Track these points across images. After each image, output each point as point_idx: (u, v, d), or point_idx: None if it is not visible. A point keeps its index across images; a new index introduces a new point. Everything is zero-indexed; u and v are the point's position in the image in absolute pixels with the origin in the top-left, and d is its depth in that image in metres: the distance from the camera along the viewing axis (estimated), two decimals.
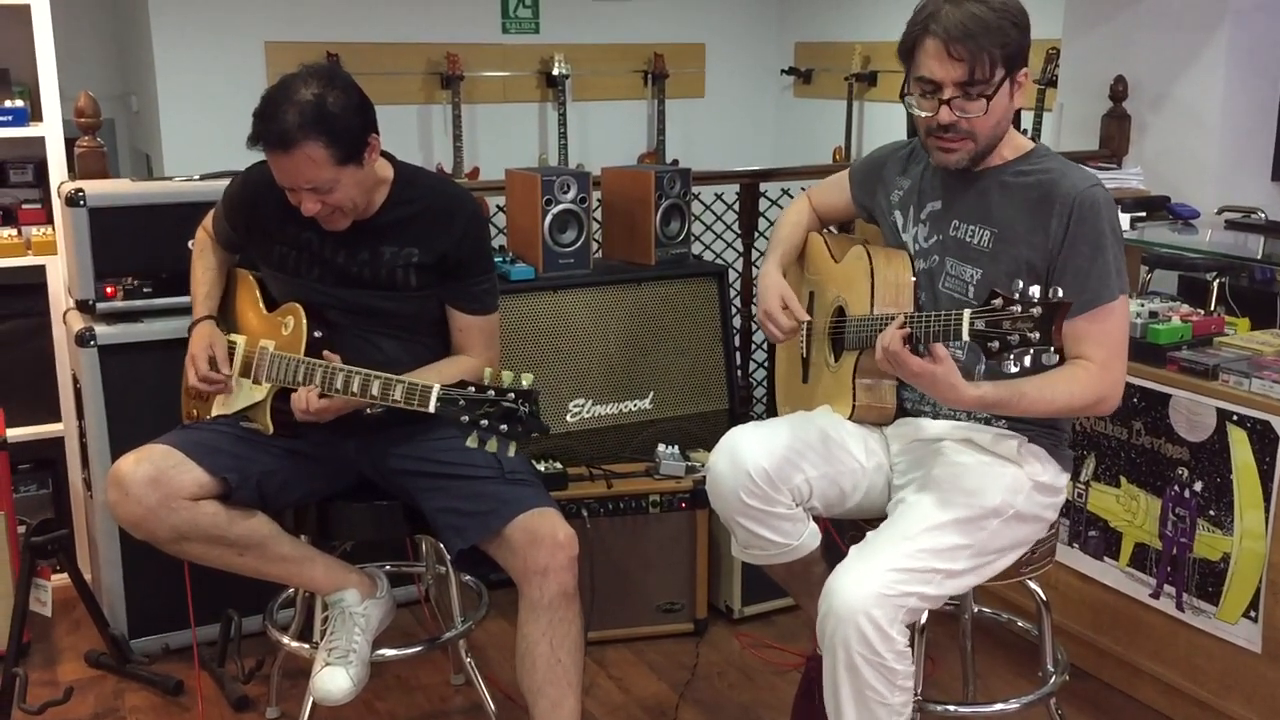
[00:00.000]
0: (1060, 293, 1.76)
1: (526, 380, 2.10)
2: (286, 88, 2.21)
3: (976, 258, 2.11)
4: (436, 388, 2.13)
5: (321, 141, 2.19)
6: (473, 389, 2.10)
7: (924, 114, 2.04)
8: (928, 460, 2.14)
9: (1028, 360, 1.75)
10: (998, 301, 1.77)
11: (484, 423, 2.08)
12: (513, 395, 2.08)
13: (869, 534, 2.05)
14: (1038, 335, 1.73)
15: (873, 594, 1.91)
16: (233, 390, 2.45)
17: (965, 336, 1.82)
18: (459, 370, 2.35)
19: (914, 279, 2.18)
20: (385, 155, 2.39)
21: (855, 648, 1.91)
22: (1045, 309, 1.74)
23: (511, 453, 2.11)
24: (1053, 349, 1.74)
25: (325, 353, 2.30)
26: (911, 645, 1.99)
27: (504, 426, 2.08)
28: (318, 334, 2.36)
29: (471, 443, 2.09)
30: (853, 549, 2.02)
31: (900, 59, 2.07)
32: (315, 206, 2.27)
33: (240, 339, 2.48)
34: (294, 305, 2.40)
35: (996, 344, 1.77)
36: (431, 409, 2.13)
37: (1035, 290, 1.75)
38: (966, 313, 1.82)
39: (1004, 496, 2.06)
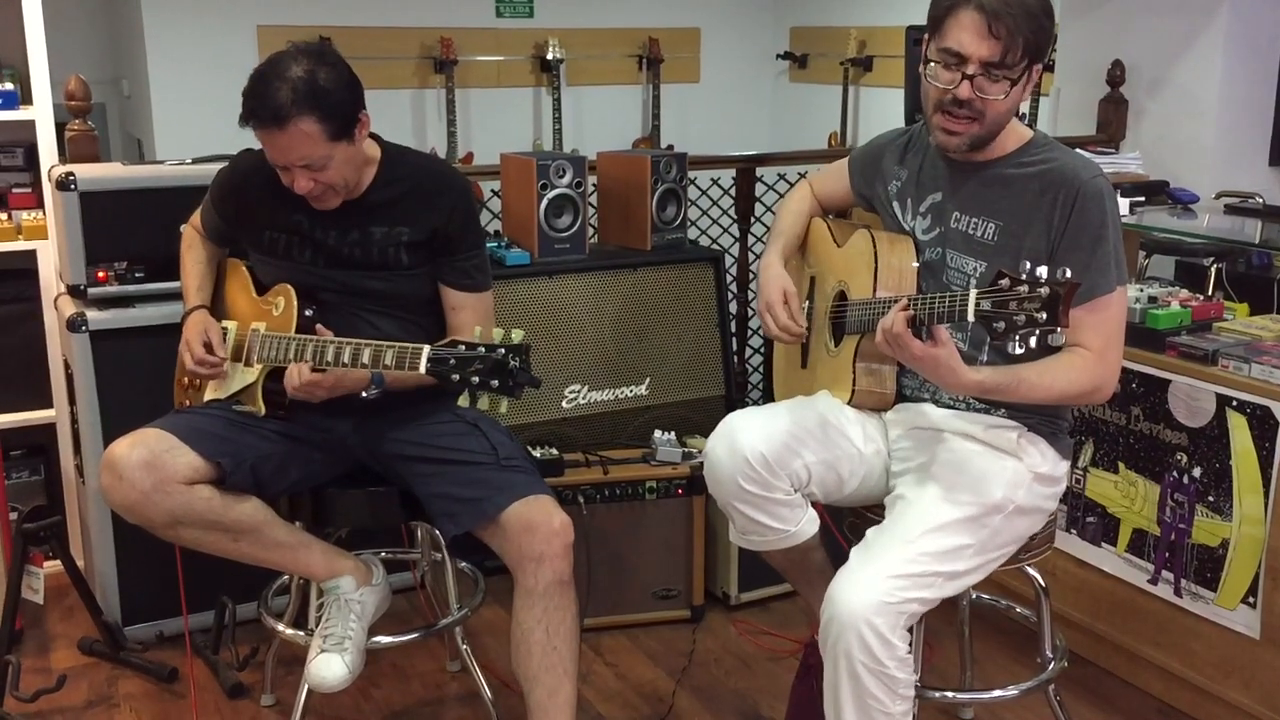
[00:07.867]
0: (1069, 273, 1.73)
1: (517, 335, 2.06)
2: (277, 65, 2.20)
3: (980, 250, 2.10)
4: (426, 349, 2.08)
5: (315, 116, 2.18)
6: (463, 346, 2.06)
7: (942, 85, 2.01)
8: (926, 452, 2.13)
9: (1033, 341, 1.73)
10: (1004, 282, 1.75)
11: (475, 380, 2.03)
12: (503, 350, 2.04)
13: (869, 533, 2.04)
14: (1044, 316, 1.71)
15: (875, 602, 1.90)
16: (226, 375, 2.43)
17: (971, 317, 1.79)
18: None
19: (916, 265, 2.16)
20: (372, 135, 2.37)
21: (858, 656, 1.91)
22: (1053, 289, 1.72)
23: (504, 409, 2.07)
24: (1059, 330, 1.72)
25: (318, 327, 2.28)
26: (910, 630, 1.98)
27: (494, 382, 2.03)
28: (308, 312, 2.34)
29: (463, 402, 2.04)
30: (853, 552, 2.01)
31: (927, 27, 2.04)
32: (308, 184, 2.25)
33: (232, 324, 2.46)
34: (284, 286, 2.39)
35: (1002, 324, 1.75)
36: (422, 370, 2.08)
37: (1043, 271, 1.73)
38: (972, 293, 1.79)
39: (1005, 491, 2.04)
